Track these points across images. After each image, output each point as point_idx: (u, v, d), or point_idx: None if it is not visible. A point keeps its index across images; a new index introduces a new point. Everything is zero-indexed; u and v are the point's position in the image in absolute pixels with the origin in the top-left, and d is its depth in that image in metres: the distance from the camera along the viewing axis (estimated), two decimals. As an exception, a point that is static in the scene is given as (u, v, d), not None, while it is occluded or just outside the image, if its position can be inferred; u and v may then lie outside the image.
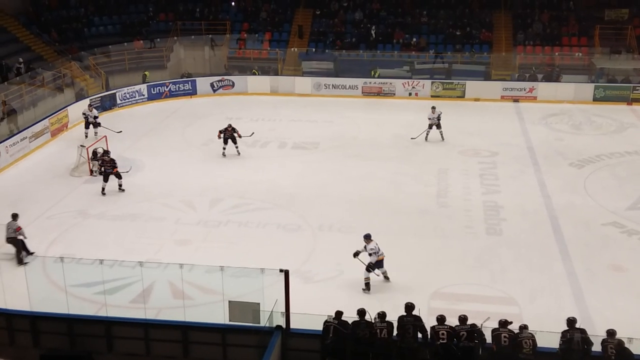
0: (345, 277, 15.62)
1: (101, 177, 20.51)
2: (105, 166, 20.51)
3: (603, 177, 21.83)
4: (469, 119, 28.31)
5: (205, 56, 35.50)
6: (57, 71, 29.47)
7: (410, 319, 11.52)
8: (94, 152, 22.07)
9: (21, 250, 16.30)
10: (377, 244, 15.02)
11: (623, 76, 31.48)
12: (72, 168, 22.60)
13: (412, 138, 25.07)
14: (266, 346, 11.51)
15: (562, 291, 15.05)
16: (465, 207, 19.49)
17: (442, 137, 25.08)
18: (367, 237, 15.14)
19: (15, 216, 16.53)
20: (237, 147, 23.50)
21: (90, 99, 28.88)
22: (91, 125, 25.61)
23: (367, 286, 14.98)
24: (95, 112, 25.96)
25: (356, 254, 15.11)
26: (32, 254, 16.41)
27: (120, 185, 20.62)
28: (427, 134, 25.13)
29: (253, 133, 24.41)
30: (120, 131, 25.40)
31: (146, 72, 32.56)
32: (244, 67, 34.61)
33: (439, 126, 25.00)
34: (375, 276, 15.12)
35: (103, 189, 20.45)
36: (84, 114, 25.95)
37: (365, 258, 15.09)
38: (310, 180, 21.62)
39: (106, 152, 22.09)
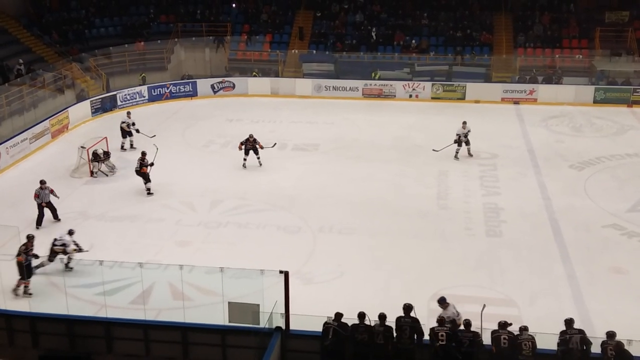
0: (346, 279, 15.63)
1: (99, 178, 20.45)
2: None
3: (603, 179, 21.83)
4: (469, 121, 28.11)
5: (206, 58, 35.51)
6: (58, 72, 29.49)
7: (407, 320, 11.52)
8: (95, 154, 22.09)
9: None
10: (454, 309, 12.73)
11: (623, 78, 31.48)
12: (72, 169, 22.61)
13: (434, 150, 23.63)
14: (266, 347, 11.50)
15: (562, 293, 15.05)
16: (466, 209, 19.49)
17: (469, 153, 23.54)
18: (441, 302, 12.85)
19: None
20: (258, 158, 22.56)
21: (92, 101, 28.95)
22: (127, 135, 24.82)
23: None
24: (133, 118, 25.07)
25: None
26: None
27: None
28: (457, 152, 23.37)
29: (275, 144, 23.55)
30: (154, 135, 24.99)
31: (144, 74, 32.56)
32: (245, 68, 34.62)
33: (467, 142, 23.35)
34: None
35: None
36: (123, 122, 24.89)
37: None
38: (311, 182, 21.63)
39: (106, 154, 22.15)
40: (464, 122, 23.45)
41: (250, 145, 22.46)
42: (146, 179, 20.64)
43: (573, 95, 30.86)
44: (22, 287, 14.72)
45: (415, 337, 11.44)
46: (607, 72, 31.94)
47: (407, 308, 11.69)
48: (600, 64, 32.47)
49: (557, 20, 35.02)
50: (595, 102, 30.60)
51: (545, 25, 34.78)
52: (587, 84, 31.43)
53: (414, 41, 34.40)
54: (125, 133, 24.82)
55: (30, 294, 14.70)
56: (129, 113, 25.70)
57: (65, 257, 15.59)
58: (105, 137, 23.45)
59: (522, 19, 35.46)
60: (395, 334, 11.42)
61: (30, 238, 15.16)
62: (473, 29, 34.98)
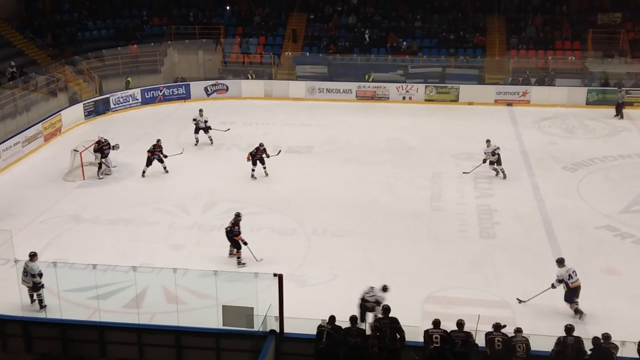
0: (340, 281, 15.63)
1: (91, 181, 20.47)
2: (156, 152, 22.11)
3: (596, 180, 21.90)
4: (463, 123, 28.36)
5: (199, 60, 35.47)
6: (51, 75, 29.40)
7: (386, 322, 11.54)
8: (98, 142, 22.18)
9: None
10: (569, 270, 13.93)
11: (616, 80, 31.60)
12: (65, 172, 22.52)
13: (464, 173, 22.11)
14: (260, 350, 11.50)
15: (556, 295, 15.03)
16: (459, 210, 19.52)
17: (504, 174, 21.70)
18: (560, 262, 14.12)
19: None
20: (265, 168, 21.96)
21: (85, 104, 28.88)
22: (201, 131, 25.41)
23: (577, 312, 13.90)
24: (205, 116, 25.59)
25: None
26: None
27: (165, 167, 22.44)
28: (495, 170, 21.83)
29: (280, 151, 22.91)
30: (229, 129, 26.23)
31: (129, 79, 32.47)
32: (238, 71, 34.60)
33: (499, 162, 21.61)
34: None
35: (144, 172, 22.26)
36: (194, 119, 25.47)
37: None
38: (305, 184, 21.62)
39: (111, 145, 22.43)
40: (488, 140, 21.93)
41: (259, 156, 21.78)
42: (147, 163, 22.22)
43: (566, 97, 30.96)
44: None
45: (398, 337, 11.44)
46: (600, 73, 32.04)
47: (386, 309, 11.72)
48: (592, 65, 32.59)
49: (550, 22, 35.14)
50: (588, 103, 30.70)
51: (538, 27, 34.89)
52: (580, 86, 31.53)
53: (404, 43, 34.44)
54: (199, 129, 25.53)
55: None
56: (201, 110, 26.04)
57: None
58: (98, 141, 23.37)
59: (515, 20, 35.57)
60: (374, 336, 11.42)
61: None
62: (466, 31, 35.06)
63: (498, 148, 21.69)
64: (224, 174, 22.58)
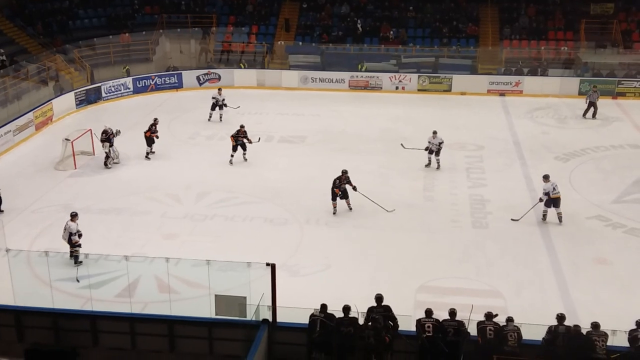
0: (332, 271, 15.66)
1: (85, 169, 20.42)
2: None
3: (588, 170, 21.97)
4: (456, 113, 28.37)
5: (192, 49, 35.30)
6: (42, 64, 29.20)
7: (380, 310, 11.56)
8: (105, 132, 22.14)
9: None
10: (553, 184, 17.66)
11: (608, 70, 31.66)
12: (56, 162, 22.42)
13: (402, 144, 22.40)
14: (253, 340, 11.50)
15: (547, 284, 15.15)
16: (452, 200, 19.56)
17: (438, 164, 21.89)
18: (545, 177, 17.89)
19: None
20: (244, 154, 22.29)
21: (77, 92, 28.73)
22: (217, 108, 26.97)
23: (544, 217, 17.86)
24: (223, 95, 27.17)
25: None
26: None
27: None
28: (430, 160, 22.01)
29: (260, 139, 23.21)
30: (239, 106, 27.41)
31: (127, 67, 32.30)
32: (231, 60, 34.46)
33: (437, 154, 21.81)
34: None
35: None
36: (213, 97, 27.00)
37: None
38: (297, 174, 21.59)
39: (118, 132, 22.54)
40: (435, 132, 21.90)
41: (241, 139, 22.06)
42: (148, 143, 22.62)
43: (558, 87, 30.99)
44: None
45: (392, 326, 11.47)
46: (592, 64, 32.08)
47: (379, 298, 11.77)
48: (585, 56, 32.62)
49: (543, 12, 35.11)
50: (581, 93, 30.68)
51: (531, 17, 34.88)
52: (572, 76, 31.56)
53: (391, 32, 34.34)
54: (215, 106, 26.98)
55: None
56: (220, 89, 27.60)
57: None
58: (90, 129, 23.29)
59: (508, 10, 35.53)
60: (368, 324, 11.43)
61: (242, 126, 22.15)
62: (459, 20, 35.01)
63: (442, 142, 21.77)
64: (216, 163, 22.52)
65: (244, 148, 22.28)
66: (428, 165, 22.00)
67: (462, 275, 15.49)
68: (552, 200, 17.74)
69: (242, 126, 22.46)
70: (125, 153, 23.10)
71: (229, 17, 36.41)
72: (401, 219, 18.40)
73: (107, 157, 22.15)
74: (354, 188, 18.61)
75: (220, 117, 26.99)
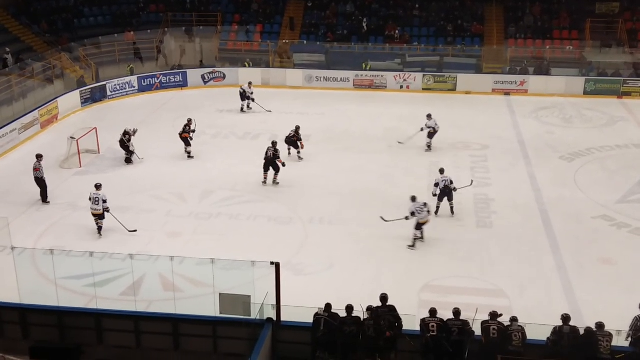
0: (336, 270, 15.67)
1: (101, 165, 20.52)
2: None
3: (593, 170, 21.93)
4: (460, 112, 28.34)
5: (196, 48, 35.32)
6: (47, 62, 29.26)
7: (385, 310, 11.57)
8: (126, 132, 22.36)
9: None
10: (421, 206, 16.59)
11: (613, 70, 31.58)
12: (62, 160, 22.48)
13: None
14: (257, 339, 11.51)
15: (552, 284, 15.13)
16: (456, 199, 19.46)
17: (429, 147, 23.32)
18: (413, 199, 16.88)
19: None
20: (299, 153, 22.82)
21: (82, 91, 28.80)
22: (246, 99, 28.23)
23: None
24: (252, 89, 28.51)
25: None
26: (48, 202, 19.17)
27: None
28: (429, 145, 23.40)
29: (300, 155, 22.91)
30: (270, 111, 28.01)
31: (131, 65, 32.34)
32: (235, 59, 34.48)
33: (431, 136, 23.19)
34: None
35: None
36: (242, 89, 28.37)
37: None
38: (301, 173, 21.59)
39: (135, 131, 22.69)
40: (429, 115, 23.40)
41: (293, 139, 22.60)
42: (186, 143, 22.76)
43: (563, 87, 30.93)
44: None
45: (396, 325, 11.48)
46: (598, 63, 32.00)
47: (384, 298, 11.77)
48: (590, 55, 32.55)
49: (548, 11, 35.07)
50: (586, 93, 30.68)
51: (536, 16, 34.83)
52: (578, 76, 31.50)
53: (396, 31, 34.32)
54: (244, 97, 28.21)
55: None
56: (250, 83, 28.83)
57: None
58: (95, 128, 23.36)
59: (513, 9, 35.49)
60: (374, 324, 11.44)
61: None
62: (464, 19, 34.96)
63: (437, 126, 23.21)
64: (221, 162, 22.55)
65: (296, 147, 22.70)
66: (428, 148, 23.36)
67: (466, 275, 15.49)
68: (446, 193, 18.05)
69: (297, 127, 22.84)
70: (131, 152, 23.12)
71: (234, 15, 36.44)
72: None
73: (133, 153, 22.40)
74: (283, 164, 20.36)
75: (247, 107, 28.23)
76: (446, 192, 18.08)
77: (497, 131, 25.80)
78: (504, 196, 19.76)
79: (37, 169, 19.21)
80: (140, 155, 22.64)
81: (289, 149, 22.71)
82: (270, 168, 20.37)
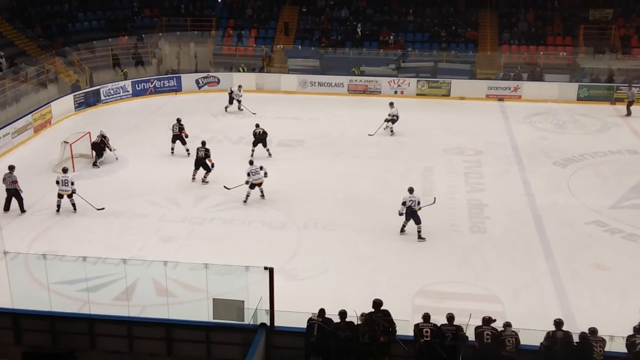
0: (330, 275, 15.64)
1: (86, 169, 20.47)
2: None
3: (586, 176, 21.99)
4: (454, 118, 28.41)
5: (191, 52, 35.34)
6: (41, 66, 29.21)
7: (379, 315, 11.55)
8: (103, 135, 22.77)
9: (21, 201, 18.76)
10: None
11: (607, 76, 31.72)
12: (55, 164, 22.39)
13: (369, 135, 24.90)
14: (250, 344, 11.48)
15: (545, 289, 15.15)
16: (450, 205, 19.55)
17: (391, 131, 25.69)
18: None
19: (12, 168, 18.62)
20: (180, 146, 23.59)
21: (76, 95, 28.74)
22: (235, 102, 28.87)
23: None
24: (242, 93, 29.11)
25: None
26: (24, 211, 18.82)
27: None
28: (392, 130, 25.77)
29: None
30: (255, 113, 28.37)
31: (125, 70, 32.32)
32: (230, 63, 34.49)
33: (393, 122, 25.63)
34: None
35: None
36: (231, 91, 28.94)
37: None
38: (296, 178, 21.59)
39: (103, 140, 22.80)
40: (392, 103, 26.14)
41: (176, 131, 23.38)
42: (183, 142, 23.38)
43: (557, 93, 31.06)
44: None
45: (390, 330, 11.47)
46: (591, 69, 32.15)
47: (378, 303, 11.75)
48: (583, 61, 32.70)
49: (542, 17, 35.24)
50: (579, 99, 30.82)
51: (530, 22, 34.99)
52: (571, 82, 31.63)
53: (390, 37, 34.40)
54: (232, 99, 28.86)
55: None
56: (240, 87, 29.32)
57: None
58: (89, 132, 23.31)
59: (507, 15, 35.66)
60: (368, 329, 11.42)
61: (179, 119, 23.32)
62: (458, 25, 35.09)
63: (399, 113, 25.67)
64: (215, 167, 22.46)
65: (183, 142, 23.36)
66: (391, 133, 25.64)
67: (460, 280, 15.48)
68: (411, 214, 17.16)
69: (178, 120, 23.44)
70: (124, 156, 23.12)
71: (228, 20, 36.48)
72: (399, 222, 18.35)
73: (103, 154, 22.74)
74: (212, 165, 21.12)
75: (238, 109, 28.88)
76: (411, 212, 17.21)
77: (491, 137, 25.86)
78: (498, 201, 19.79)
79: (15, 182, 18.60)
80: (117, 155, 23.00)
81: (253, 151, 22.78)
82: (201, 167, 21.07)
